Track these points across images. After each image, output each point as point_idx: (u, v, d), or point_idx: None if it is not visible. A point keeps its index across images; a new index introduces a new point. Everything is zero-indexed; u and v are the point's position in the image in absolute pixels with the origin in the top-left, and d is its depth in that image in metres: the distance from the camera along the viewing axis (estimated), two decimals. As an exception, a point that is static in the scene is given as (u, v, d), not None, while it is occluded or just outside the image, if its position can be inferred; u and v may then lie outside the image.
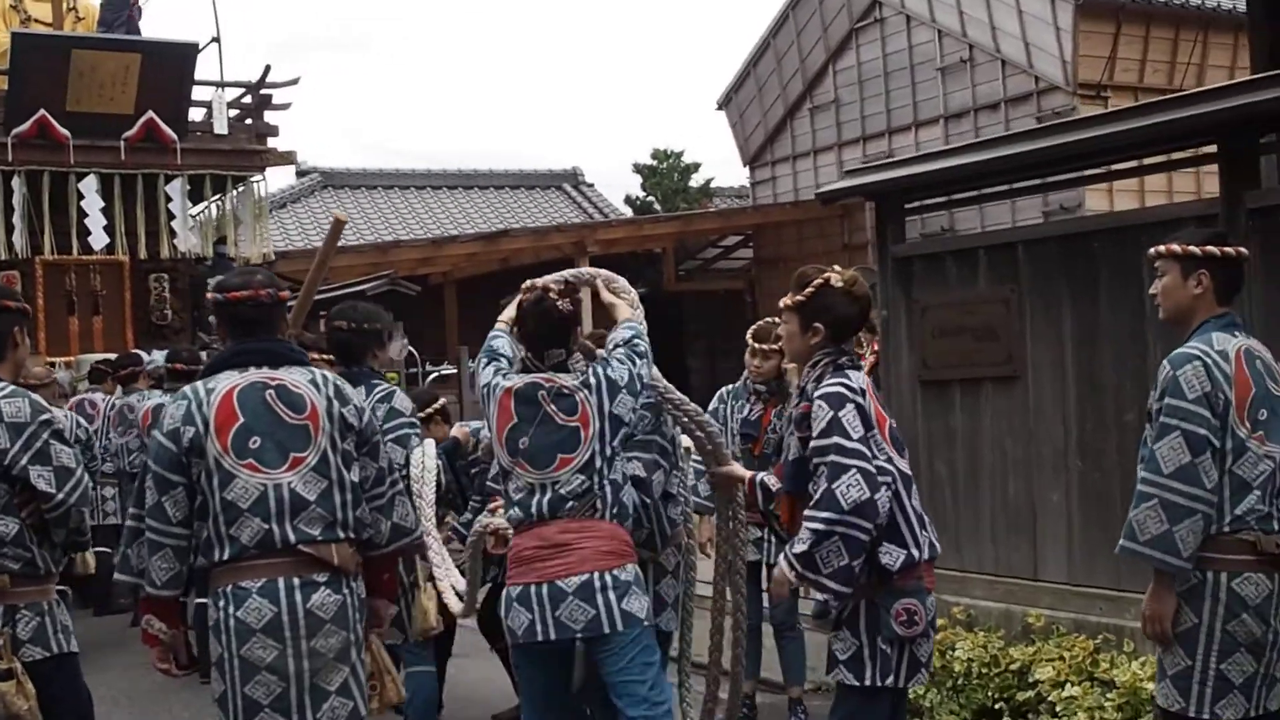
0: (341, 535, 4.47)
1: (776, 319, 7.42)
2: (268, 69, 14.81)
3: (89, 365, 12.99)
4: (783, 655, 7.38)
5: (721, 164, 52.71)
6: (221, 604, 4.36)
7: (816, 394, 4.37)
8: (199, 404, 4.46)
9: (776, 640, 7.35)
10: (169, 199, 14.39)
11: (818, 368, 4.48)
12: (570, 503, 4.81)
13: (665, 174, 31.40)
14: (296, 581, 4.35)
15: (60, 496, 4.96)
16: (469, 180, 28.85)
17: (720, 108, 25.64)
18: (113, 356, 13.16)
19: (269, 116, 15.10)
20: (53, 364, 13.73)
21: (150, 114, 14.05)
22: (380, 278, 15.60)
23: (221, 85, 14.87)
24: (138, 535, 4.53)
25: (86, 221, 13.90)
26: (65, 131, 13.70)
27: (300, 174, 27.06)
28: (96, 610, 11.81)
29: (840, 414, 4.28)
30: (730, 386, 7.57)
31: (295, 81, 15.01)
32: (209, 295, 4.83)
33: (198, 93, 14.57)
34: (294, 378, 4.58)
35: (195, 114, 14.80)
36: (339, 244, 10.19)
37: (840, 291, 4.52)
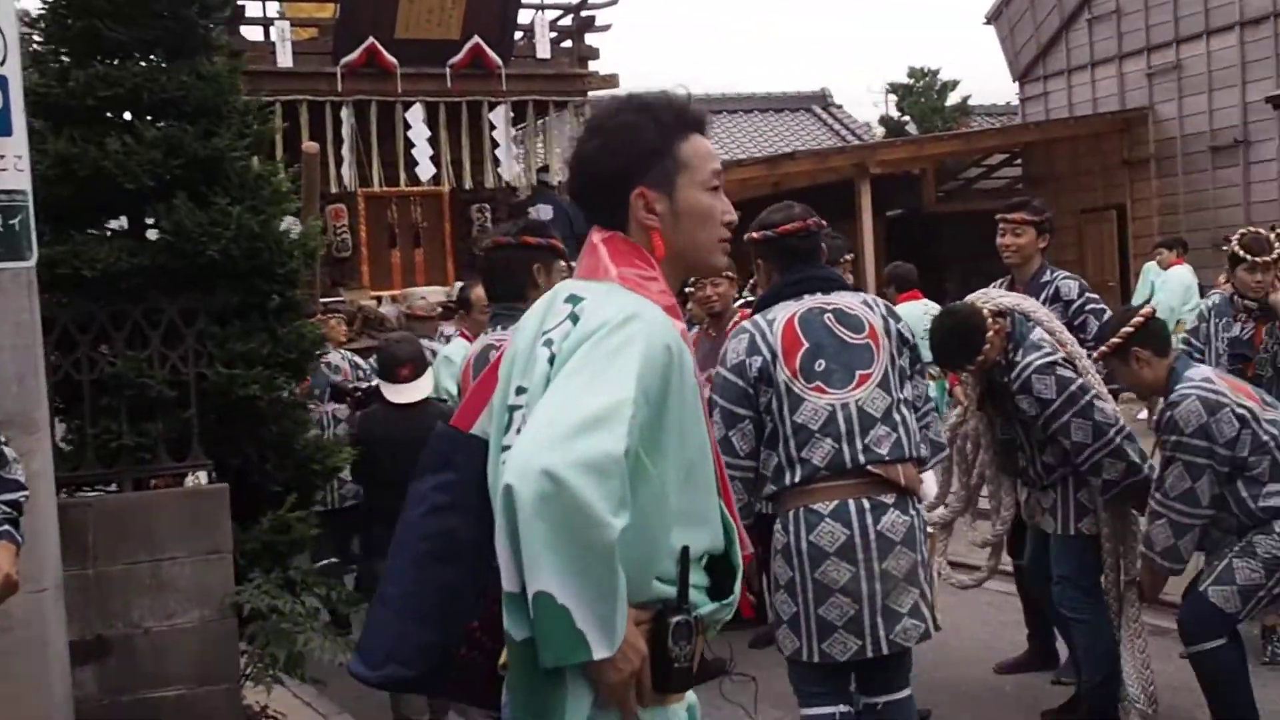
0: (907, 454, 4.53)
1: (1265, 229, 6.90)
2: (588, -12, 14.38)
3: (417, 299, 12.73)
4: None
5: (979, 81, 50.96)
6: (792, 528, 4.47)
7: None
8: (761, 335, 4.58)
9: None
10: (493, 127, 14.04)
11: None
12: None
13: (921, 93, 30.51)
14: (867, 504, 4.43)
15: None
16: (715, 105, 28.24)
17: (989, 21, 24.68)
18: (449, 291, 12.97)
19: (589, 39, 14.66)
20: (379, 298, 13.56)
21: (476, 39, 13.67)
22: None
23: (543, 7, 14.43)
24: None
25: (413, 152, 13.60)
26: (393, 59, 13.40)
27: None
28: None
29: None
30: (1211, 302, 7.11)
31: (615, 1, 14.54)
32: (754, 234, 4.81)
33: (520, 16, 14.18)
34: (847, 300, 4.67)
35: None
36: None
37: None
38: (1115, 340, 5.43)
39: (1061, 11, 23.30)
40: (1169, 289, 15.13)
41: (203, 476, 5.61)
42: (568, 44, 14.73)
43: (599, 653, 2.23)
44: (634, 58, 39.17)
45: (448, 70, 13.68)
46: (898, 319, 4.72)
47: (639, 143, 2.61)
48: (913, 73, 31.28)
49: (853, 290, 4.84)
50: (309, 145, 11.43)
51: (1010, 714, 6.43)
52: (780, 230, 4.73)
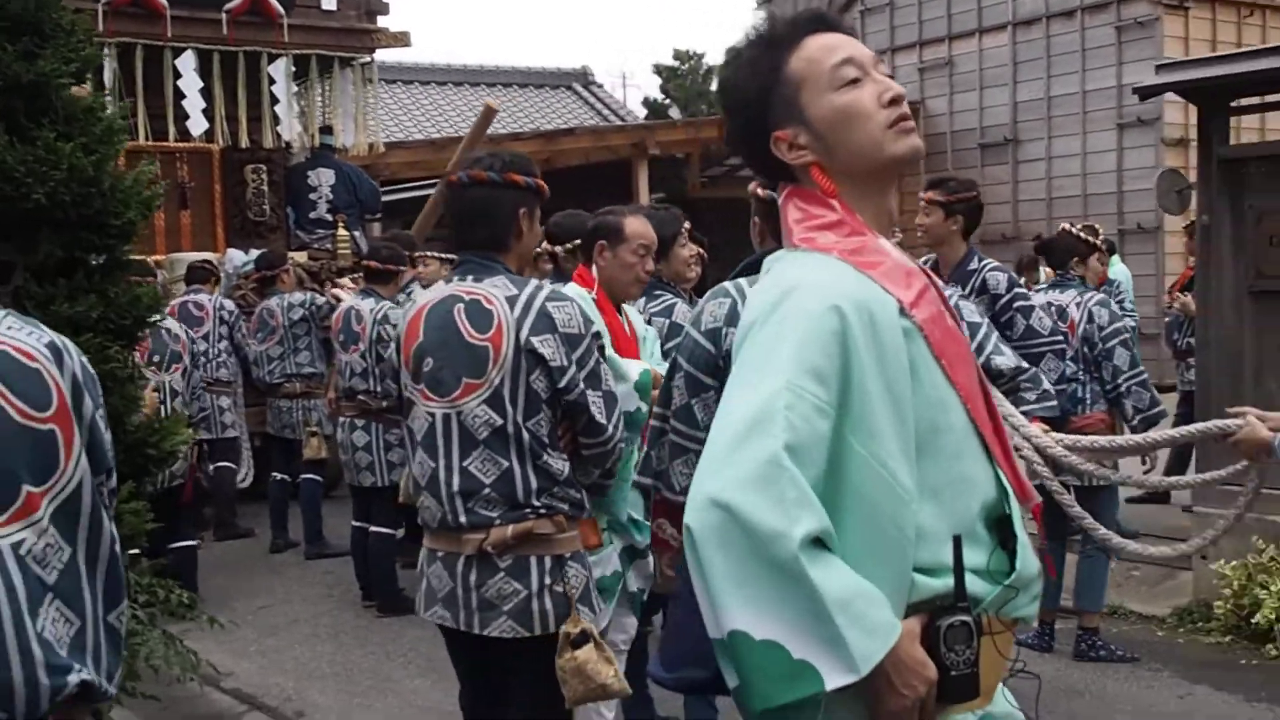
0: None
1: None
2: (379, -64, 13.47)
3: (184, 265, 11.74)
4: None
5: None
6: None
7: None
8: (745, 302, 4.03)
9: None
10: (272, 81, 13.02)
11: None
12: None
13: (686, 76, 30.26)
14: None
15: (610, 430, 4.14)
16: (473, 77, 27.49)
17: (760, 6, 24.51)
18: (211, 256, 12.07)
19: (378, -8, 13.77)
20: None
21: (257, -18, 12.72)
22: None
23: (329, -45, 13.49)
24: (661, 435, 4.26)
25: (184, 104, 12.53)
26: (163, -1, 12.34)
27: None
28: (217, 535, 10.83)
29: None
30: None
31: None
32: (759, 191, 4.26)
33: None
34: None
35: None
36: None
37: None
38: None
39: (834, 2, 23.19)
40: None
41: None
42: (355, -4, 13.80)
43: (836, 679, 1.96)
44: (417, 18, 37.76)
45: (224, 16, 12.65)
46: None
47: (746, 90, 2.40)
48: (679, 55, 30.96)
49: None
50: (76, 90, 10.35)
51: None
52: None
